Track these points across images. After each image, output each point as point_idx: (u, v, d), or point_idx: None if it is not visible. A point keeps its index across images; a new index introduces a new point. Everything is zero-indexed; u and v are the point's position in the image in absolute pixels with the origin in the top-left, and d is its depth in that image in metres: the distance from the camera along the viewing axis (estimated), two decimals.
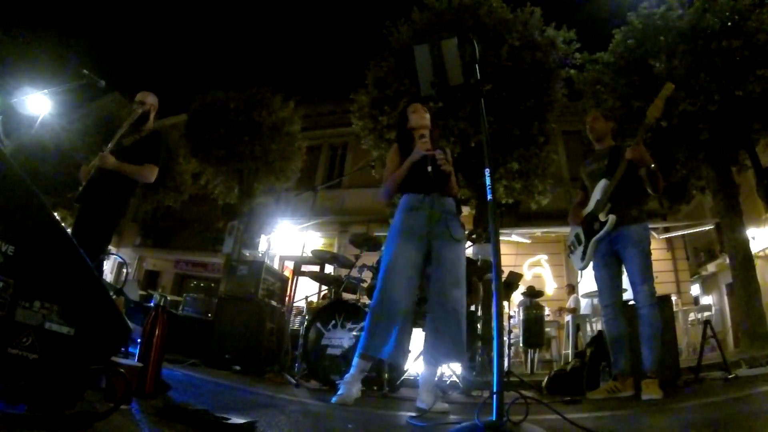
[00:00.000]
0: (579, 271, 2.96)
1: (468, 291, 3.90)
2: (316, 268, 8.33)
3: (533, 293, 5.98)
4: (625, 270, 2.75)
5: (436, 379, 2.43)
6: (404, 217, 2.44)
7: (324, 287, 6.98)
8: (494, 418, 1.27)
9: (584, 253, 2.83)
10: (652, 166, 2.63)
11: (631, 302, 2.79)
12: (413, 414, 2.02)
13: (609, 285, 2.79)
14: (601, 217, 2.71)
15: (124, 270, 11.56)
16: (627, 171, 2.68)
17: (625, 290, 2.87)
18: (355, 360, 2.36)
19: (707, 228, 10.47)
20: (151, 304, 1.91)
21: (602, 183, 2.76)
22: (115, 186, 2.97)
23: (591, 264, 2.87)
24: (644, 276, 2.60)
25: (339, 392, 2.26)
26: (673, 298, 7.27)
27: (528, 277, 10.43)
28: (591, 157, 3.07)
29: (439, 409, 2.16)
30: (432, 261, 2.37)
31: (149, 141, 3.13)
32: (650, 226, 9.61)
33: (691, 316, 8.15)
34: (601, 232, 2.70)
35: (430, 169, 2.39)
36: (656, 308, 2.59)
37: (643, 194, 2.79)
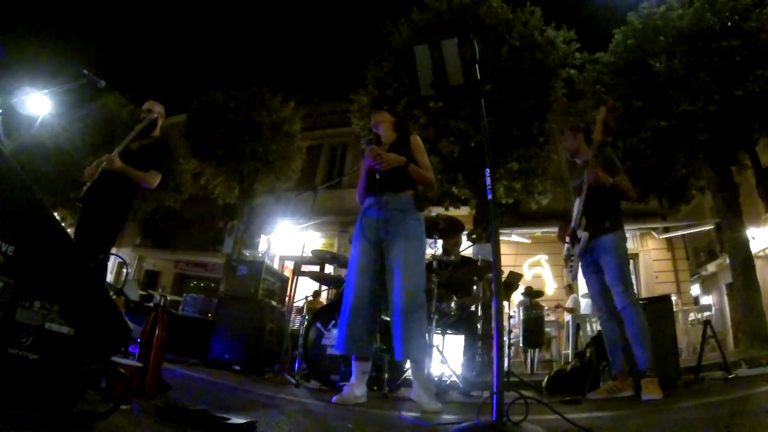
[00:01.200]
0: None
1: (467, 291, 3.93)
2: (316, 268, 8.35)
3: (533, 293, 5.98)
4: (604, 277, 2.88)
5: (425, 375, 2.42)
6: (360, 220, 2.55)
7: (318, 287, 7.05)
8: (494, 418, 1.27)
9: (571, 266, 3.05)
10: (610, 182, 2.76)
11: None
12: (408, 413, 2.03)
13: (598, 290, 2.92)
14: (579, 234, 2.92)
15: (124, 270, 11.57)
16: (594, 187, 2.82)
17: None
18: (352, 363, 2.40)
19: (707, 228, 10.47)
20: (151, 304, 1.91)
21: (577, 201, 2.97)
22: (120, 188, 2.99)
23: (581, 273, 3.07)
24: (619, 279, 2.71)
25: (342, 393, 2.28)
26: (673, 298, 7.27)
27: (528, 277, 10.43)
28: (575, 172, 3.22)
29: (428, 408, 2.17)
30: (385, 259, 2.41)
31: (155, 148, 3.19)
32: (650, 226, 9.60)
33: (691, 316, 8.15)
34: (578, 248, 2.90)
35: (378, 176, 2.49)
36: (636, 307, 2.67)
37: (615, 203, 2.93)
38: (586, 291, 7.78)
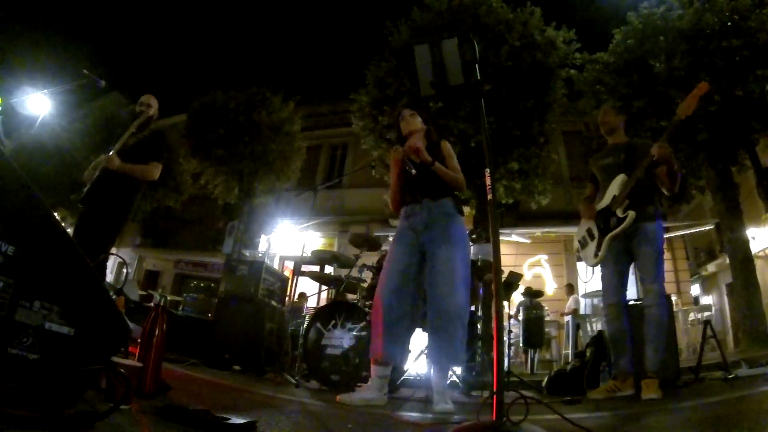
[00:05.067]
0: (590, 268, 2.96)
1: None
2: (316, 268, 8.34)
3: (533, 293, 5.98)
4: (635, 268, 2.67)
5: (446, 381, 2.40)
6: (399, 225, 2.53)
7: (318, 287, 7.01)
8: (494, 418, 1.27)
9: (598, 248, 2.73)
10: (675, 166, 2.58)
11: (631, 302, 2.80)
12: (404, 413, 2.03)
13: (615, 284, 2.71)
14: (619, 213, 2.62)
15: (124, 270, 11.56)
16: (646, 168, 2.61)
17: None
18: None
19: (707, 228, 10.47)
20: (151, 304, 1.91)
21: (620, 178, 2.67)
22: (120, 188, 2.99)
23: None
24: (656, 275, 2.55)
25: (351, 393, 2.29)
26: (673, 298, 7.27)
27: (528, 277, 10.43)
28: (603, 151, 2.99)
29: (441, 409, 2.16)
30: (427, 265, 2.38)
31: (152, 139, 3.19)
32: None
33: (691, 316, 8.15)
34: (619, 229, 2.61)
35: (413, 171, 2.45)
36: (665, 308, 2.55)
37: (657, 192, 2.73)
38: (586, 291, 7.76)
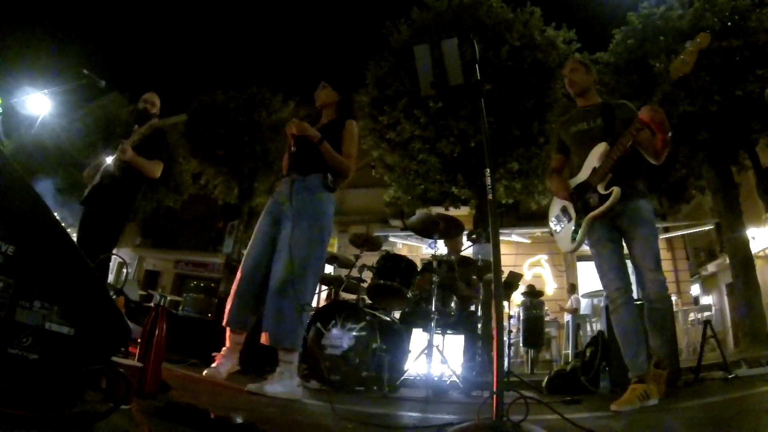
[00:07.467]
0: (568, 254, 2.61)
1: (468, 291, 3.92)
2: None
3: (533, 293, 5.99)
4: (630, 255, 2.25)
5: (292, 365, 2.33)
6: (270, 198, 2.57)
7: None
8: (494, 418, 1.27)
9: (576, 231, 2.33)
10: (670, 133, 2.18)
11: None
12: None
13: (618, 265, 2.22)
14: (600, 190, 2.22)
15: (124, 270, 11.56)
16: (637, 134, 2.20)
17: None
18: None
19: (707, 228, 10.48)
20: (151, 304, 1.91)
21: (601, 147, 2.26)
22: (122, 189, 3.03)
23: (585, 244, 2.40)
24: (658, 261, 2.18)
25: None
26: (673, 298, 7.27)
27: (528, 277, 10.44)
28: (574, 114, 2.53)
29: (254, 388, 2.15)
30: (279, 235, 2.39)
31: (154, 138, 3.24)
32: None
33: (691, 316, 8.16)
34: (602, 208, 2.20)
35: (293, 149, 2.47)
36: (670, 301, 2.25)
37: (644, 165, 2.32)
38: (587, 291, 7.76)
